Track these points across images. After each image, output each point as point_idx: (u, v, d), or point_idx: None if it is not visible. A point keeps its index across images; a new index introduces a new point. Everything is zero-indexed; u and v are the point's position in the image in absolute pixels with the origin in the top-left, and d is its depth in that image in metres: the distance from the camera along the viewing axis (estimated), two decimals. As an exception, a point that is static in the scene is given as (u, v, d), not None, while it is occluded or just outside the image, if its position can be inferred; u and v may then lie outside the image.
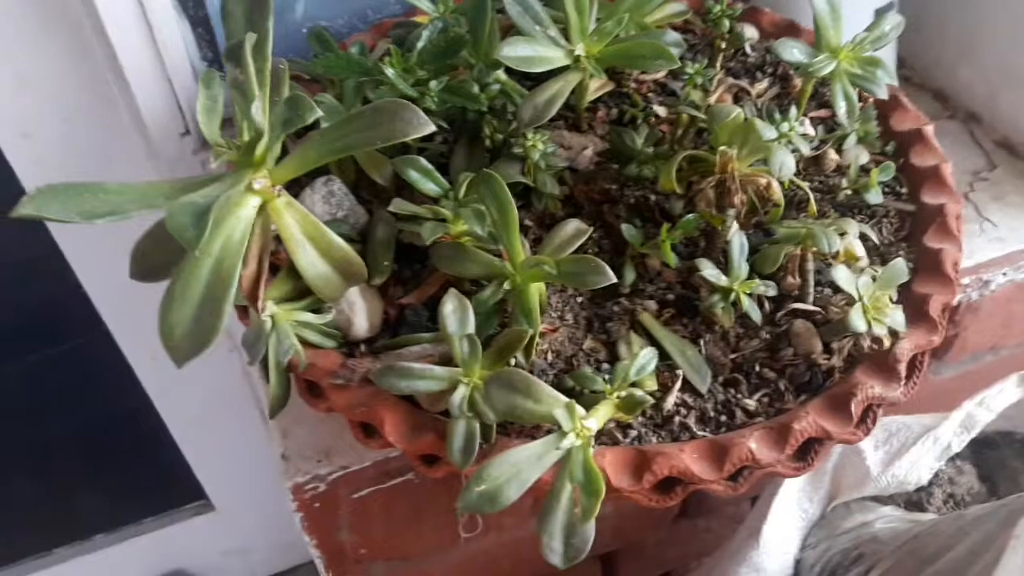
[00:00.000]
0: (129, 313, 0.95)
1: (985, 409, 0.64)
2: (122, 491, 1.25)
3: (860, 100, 0.66)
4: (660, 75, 0.68)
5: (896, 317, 0.49)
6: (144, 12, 0.70)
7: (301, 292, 0.52)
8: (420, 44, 0.57)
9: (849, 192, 0.60)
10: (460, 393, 0.46)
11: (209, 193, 0.41)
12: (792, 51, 0.53)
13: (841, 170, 0.61)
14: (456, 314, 0.48)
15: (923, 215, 0.58)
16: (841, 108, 0.54)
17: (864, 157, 0.61)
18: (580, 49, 0.53)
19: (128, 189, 0.42)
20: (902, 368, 0.49)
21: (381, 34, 0.74)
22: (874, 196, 0.58)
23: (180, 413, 1.12)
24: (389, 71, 0.52)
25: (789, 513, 0.64)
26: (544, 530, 0.39)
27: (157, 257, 0.47)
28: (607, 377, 0.48)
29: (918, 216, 0.58)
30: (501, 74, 0.58)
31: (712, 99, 0.65)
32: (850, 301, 0.52)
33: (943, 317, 0.52)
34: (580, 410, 0.40)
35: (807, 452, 0.48)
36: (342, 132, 0.44)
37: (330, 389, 0.50)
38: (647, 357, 0.46)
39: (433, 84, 0.53)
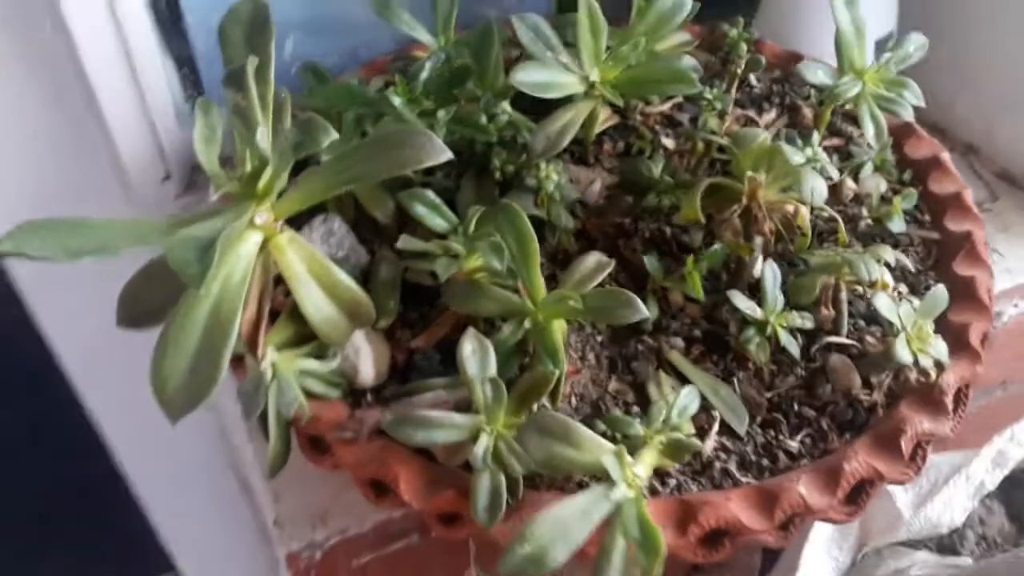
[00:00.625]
0: (96, 368, 0.89)
1: (1016, 444, 0.61)
2: (84, 560, 1.17)
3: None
4: (666, 107, 0.66)
5: (939, 347, 0.47)
6: (127, 52, 0.67)
7: (303, 337, 0.48)
8: (424, 75, 0.54)
9: (870, 221, 0.57)
10: (483, 443, 0.42)
11: (210, 227, 0.37)
12: (817, 72, 0.51)
13: (859, 199, 0.59)
14: (476, 356, 0.44)
15: (949, 242, 0.56)
16: (870, 131, 0.52)
17: (883, 185, 0.59)
18: (595, 75, 0.50)
19: (116, 225, 0.39)
20: (949, 401, 0.46)
21: (375, 71, 0.71)
22: (897, 224, 0.56)
23: (149, 475, 1.06)
24: (396, 100, 0.49)
25: (819, 563, 0.61)
26: (596, 593, 0.35)
27: (148, 301, 0.43)
28: (640, 420, 0.44)
29: (943, 244, 0.56)
30: (506, 105, 0.55)
31: (722, 129, 0.63)
32: (888, 333, 0.50)
33: (983, 346, 0.49)
34: (629, 457, 0.37)
35: (858, 495, 0.45)
36: (351, 161, 0.41)
37: (337, 444, 0.46)
38: (689, 397, 0.43)
39: (441, 114, 0.50)
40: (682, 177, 0.54)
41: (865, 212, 0.57)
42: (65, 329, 0.85)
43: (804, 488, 0.43)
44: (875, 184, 0.59)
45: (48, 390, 0.91)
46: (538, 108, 0.59)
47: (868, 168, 0.60)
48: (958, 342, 0.49)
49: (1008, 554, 0.51)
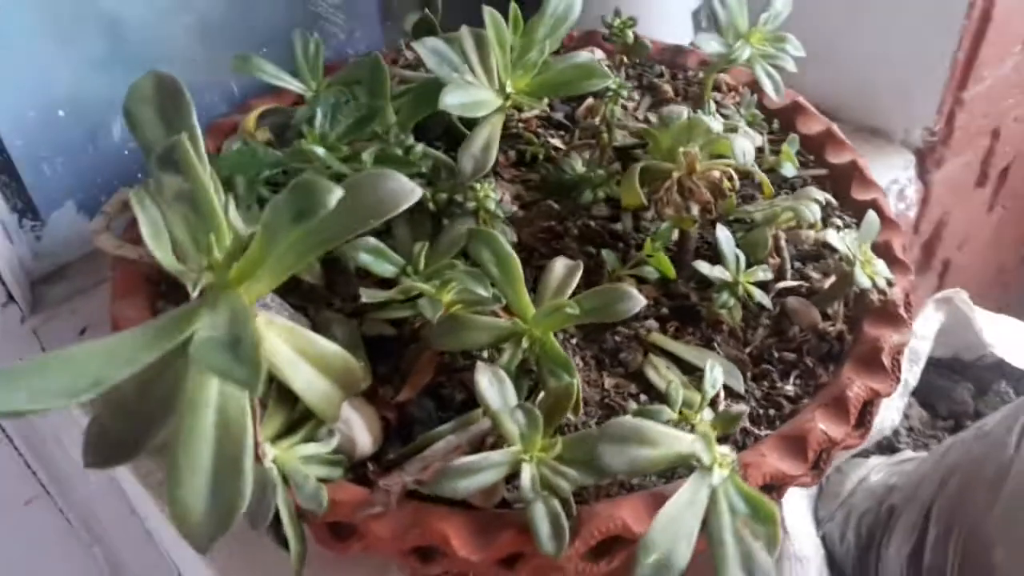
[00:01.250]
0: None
1: (922, 339, 0.68)
2: None
3: (732, 88, 0.69)
4: (537, 111, 0.66)
5: (881, 266, 0.51)
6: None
7: (292, 424, 0.43)
8: (319, 122, 0.51)
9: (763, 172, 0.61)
10: (528, 473, 0.41)
11: (216, 324, 0.33)
12: (711, 43, 0.54)
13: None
14: (494, 387, 0.42)
15: (837, 175, 0.61)
16: (769, 87, 0.55)
17: (759, 139, 0.63)
18: (510, 86, 0.50)
19: (90, 353, 0.33)
20: (903, 312, 0.51)
21: (222, 134, 0.66)
22: (789, 169, 0.60)
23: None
24: (318, 150, 0.46)
25: (796, 495, 0.64)
26: (722, 578, 0.34)
27: (119, 431, 0.37)
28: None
29: (833, 177, 0.61)
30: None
31: (598, 119, 0.65)
32: (826, 269, 0.53)
33: (906, 255, 0.54)
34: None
35: (863, 417, 0.48)
36: (324, 222, 0.38)
37: (366, 523, 0.42)
38: (715, 370, 0.43)
39: (365, 156, 0.48)
40: (598, 171, 0.54)
41: (759, 165, 0.61)
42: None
43: (823, 424, 0.45)
44: (755, 138, 0.63)
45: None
46: (432, 134, 0.58)
47: (743, 125, 0.64)
48: (887, 258, 0.53)
49: (960, 437, 0.56)
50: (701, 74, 0.71)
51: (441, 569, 0.43)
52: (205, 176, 0.36)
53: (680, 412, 0.42)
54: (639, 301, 0.43)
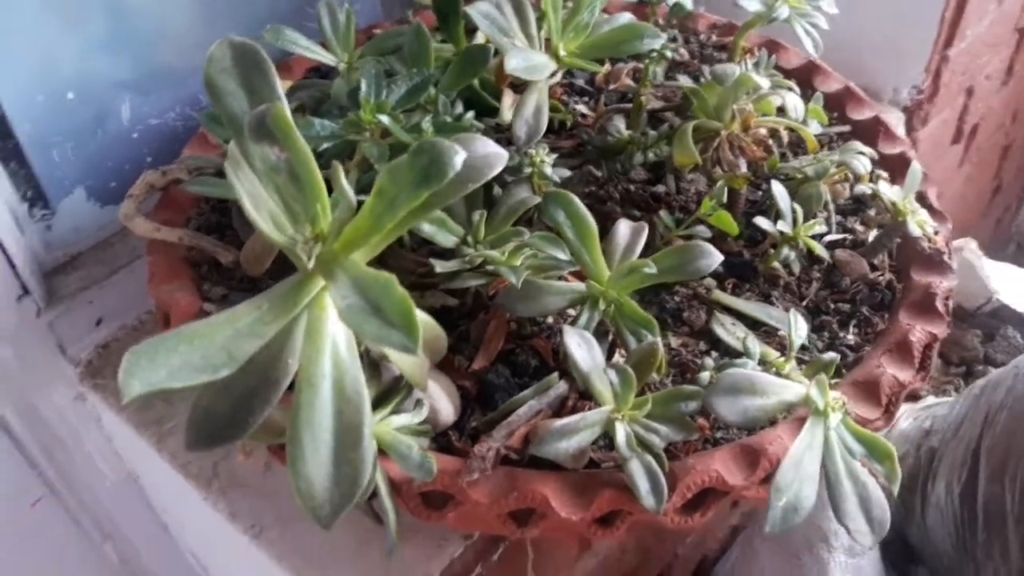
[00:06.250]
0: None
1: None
2: None
3: (748, 51, 0.70)
4: (559, 78, 0.66)
5: (925, 216, 0.52)
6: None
7: (382, 395, 0.43)
8: (364, 93, 0.50)
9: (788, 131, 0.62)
10: (623, 431, 0.41)
11: (342, 291, 0.32)
12: (754, 3, 0.55)
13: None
14: (583, 348, 0.42)
15: (862, 130, 0.62)
16: (809, 44, 0.56)
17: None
18: (562, 49, 0.49)
19: (215, 329, 0.32)
20: (947, 258, 0.52)
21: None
22: (815, 127, 0.61)
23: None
24: (384, 119, 0.45)
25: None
26: (844, 518, 0.35)
27: (223, 414, 0.36)
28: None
29: (858, 132, 0.63)
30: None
31: (616, 85, 0.65)
32: (867, 222, 0.55)
33: (941, 202, 0.56)
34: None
35: (924, 361, 0.49)
36: (427, 193, 0.37)
37: (464, 490, 0.42)
38: (799, 322, 0.44)
39: (426, 125, 0.47)
40: (651, 132, 0.55)
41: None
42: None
43: (891, 370, 0.46)
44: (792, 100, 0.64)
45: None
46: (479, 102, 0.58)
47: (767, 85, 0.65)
48: (926, 207, 0.55)
49: (994, 378, 0.58)
50: (714, 37, 0.72)
51: (538, 531, 0.43)
52: (304, 144, 0.35)
53: (762, 363, 0.43)
54: (716, 256, 0.44)
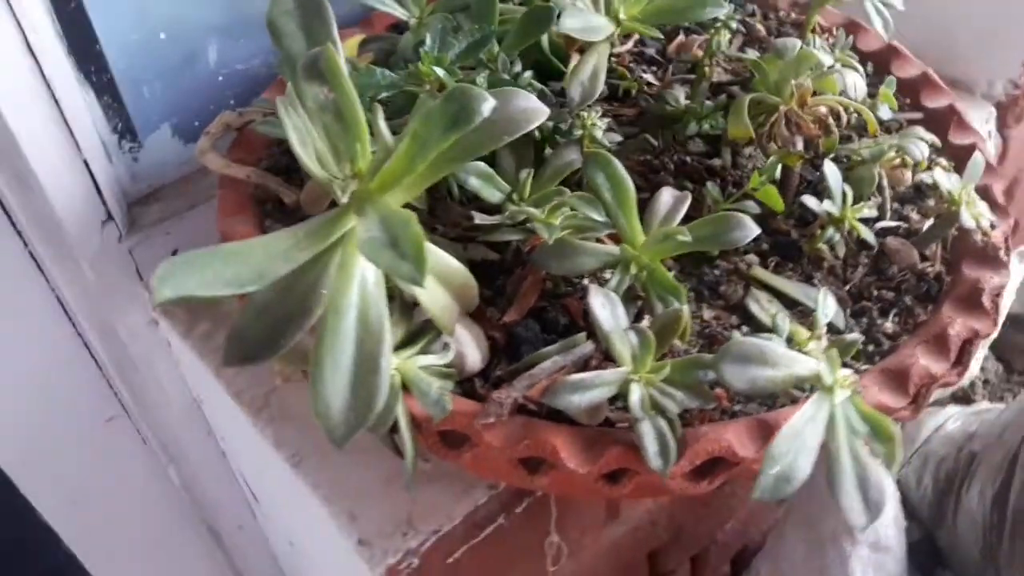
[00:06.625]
0: (28, 453, 0.79)
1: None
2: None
3: (826, 30, 0.68)
4: (629, 46, 0.67)
5: (983, 208, 0.51)
6: (49, 86, 0.59)
7: (411, 336, 0.45)
8: (429, 47, 0.52)
9: (855, 114, 0.61)
10: (637, 392, 0.42)
11: (370, 226, 0.34)
12: (822, -22, 0.54)
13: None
14: (607, 309, 0.43)
15: (934, 119, 0.61)
16: (878, 24, 0.55)
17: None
18: (623, 12, 0.50)
19: (246, 251, 0.34)
20: (1003, 255, 0.51)
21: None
22: (886, 112, 0.60)
23: (109, 559, 0.96)
24: (439, 71, 0.47)
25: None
26: (840, 494, 0.35)
27: (258, 335, 0.39)
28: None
29: (930, 121, 0.61)
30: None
31: (699, 53, 0.65)
32: (926, 209, 0.54)
33: (1007, 200, 0.54)
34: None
35: (962, 355, 0.48)
36: (467, 134, 0.38)
37: (479, 432, 0.43)
38: (828, 299, 0.44)
39: (480, 79, 0.48)
40: (707, 103, 0.55)
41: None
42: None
43: (924, 359, 0.46)
44: (850, 81, 0.62)
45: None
46: (523, 65, 0.59)
47: (837, 67, 0.64)
48: (988, 201, 0.53)
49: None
50: (793, 15, 0.71)
51: (547, 480, 0.45)
52: (350, 86, 0.37)
53: (789, 340, 0.43)
54: (753, 229, 0.44)
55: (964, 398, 0.70)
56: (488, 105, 0.33)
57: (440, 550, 0.57)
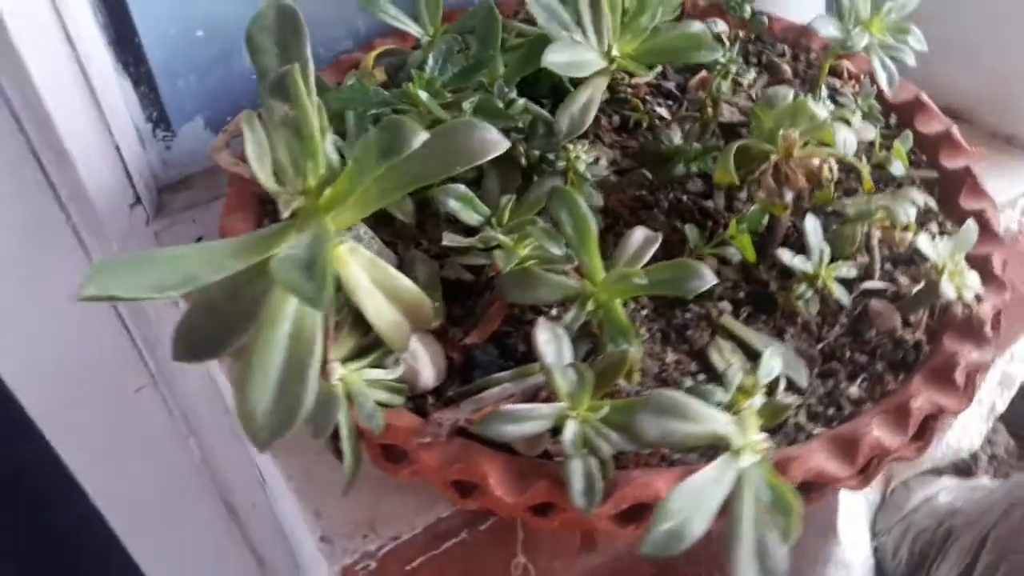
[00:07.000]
0: (63, 413, 0.84)
1: (1019, 363, 0.65)
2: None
3: (854, 77, 0.67)
4: (650, 78, 0.66)
5: (974, 280, 0.49)
6: (86, 75, 0.63)
7: (363, 348, 0.46)
8: (430, 67, 0.53)
9: (869, 168, 0.59)
10: (571, 430, 0.42)
11: (301, 244, 0.35)
12: (828, 27, 0.53)
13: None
14: (552, 344, 0.43)
15: (948, 179, 0.58)
16: (883, 78, 0.54)
17: (872, 132, 0.61)
18: (616, 50, 0.50)
19: (184, 256, 0.36)
20: (988, 330, 0.49)
21: (344, 69, 0.69)
22: (898, 167, 0.58)
23: (132, 519, 1.01)
24: (422, 94, 0.48)
25: (855, 503, 0.63)
26: (734, 559, 0.35)
27: (207, 332, 0.41)
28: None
29: (943, 181, 0.59)
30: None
31: (703, 93, 0.64)
32: (917, 272, 0.52)
33: (1005, 274, 0.52)
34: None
35: (924, 431, 0.47)
36: (412, 162, 0.40)
37: (416, 450, 0.44)
38: (772, 358, 0.43)
39: (466, 105, 0.49)
40: (695, 144, 0.54)
41: (864, 159, 0.59)
42: (32, 378, 0.80)
43: (878, 430, 0.44)
44: (868, 131, 0.61)
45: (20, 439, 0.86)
46: (541, 90, 0.59)
47: (857, 116, 0.62)
48: (983, 273, 0.51)
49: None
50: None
51: (478, 505, 0.45)
52: (310, 105, 0.38)
53: (733, 396, 0.43)
54: (708, 279, 0.44)
55: (966, 470, 0.67)
56: (418, 139, 0.34)
57: (399, 557, 0.58)
